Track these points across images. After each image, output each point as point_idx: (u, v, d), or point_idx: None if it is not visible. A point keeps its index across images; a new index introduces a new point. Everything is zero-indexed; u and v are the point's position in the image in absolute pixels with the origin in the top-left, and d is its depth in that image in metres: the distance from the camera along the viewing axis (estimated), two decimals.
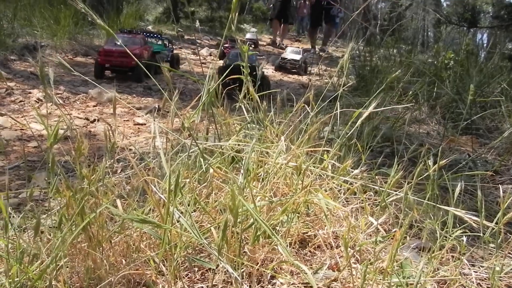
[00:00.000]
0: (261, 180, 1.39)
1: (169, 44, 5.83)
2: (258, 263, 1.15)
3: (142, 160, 1.46)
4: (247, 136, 1.63)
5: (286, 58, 6.93)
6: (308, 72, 6.80)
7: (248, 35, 9.31)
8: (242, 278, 1.12)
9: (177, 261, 1.09)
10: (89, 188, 1.05)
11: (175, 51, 6.08)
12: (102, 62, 4.51)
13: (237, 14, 1.19)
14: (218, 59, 5.71)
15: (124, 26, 7.09)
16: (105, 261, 1.05)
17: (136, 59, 1.39)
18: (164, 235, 1.04)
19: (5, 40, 4.75)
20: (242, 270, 1.13)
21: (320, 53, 8.57)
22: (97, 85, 1.49)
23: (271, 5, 10.86)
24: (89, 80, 1.44)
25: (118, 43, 4.33)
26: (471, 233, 1.26)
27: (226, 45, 6.57)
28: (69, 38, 5.76)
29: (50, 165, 1.02)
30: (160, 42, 5.63)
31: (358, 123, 1.39)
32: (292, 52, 7.21)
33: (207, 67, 5.80)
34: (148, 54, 4.84)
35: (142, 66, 1.29)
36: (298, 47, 8.02)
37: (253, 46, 8.14)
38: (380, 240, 1.29)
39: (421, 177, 1.23)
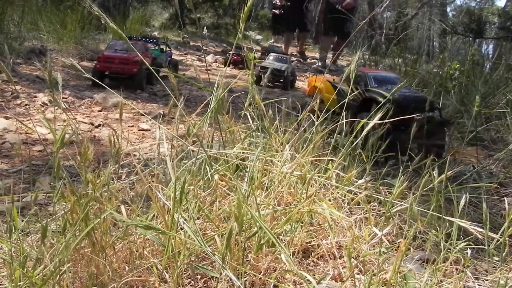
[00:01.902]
0: (265, 188, 1.39)
1: (167, 49, 5.76)
2: (261, 272, 1.14)
3: (146, 166, 1.47)
4: (252, 144, 1.63)
5: (267, 68, 4.33)
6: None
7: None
8: (245, 287, 1.12)
9: (180, 268, 1.09)
10: (93, 194, 1.06)
11: (174, 57, 6.02)
12: (101, 69, 4.24)
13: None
14: (224, 66, 5.63)
15: (130, 32, 7.09)
16: (108, 267, 1.05)
17: (143, 65, 1.41)
18: (168, 242, 1.04)
19: (11, 43, 4.78)
20: (245, 279, 1.13)
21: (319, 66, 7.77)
22: (106, 87, 1.49)
23: (273, 10, 9.24)
24: (102, 84, 1.45)
25: (119, 49, 4.33)
26: (476, 246, 1.25)
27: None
28: (75, 43, 5.78)
29: (55, 169, 1.02)
30: (157, 48, 5.58)
31: (364, 133, 1.40)
32: (275, 60, 5.57)
33: (212, 74, 5.81)
34: (150, 61, 4.73)
35: (152, 70, 1.31)
36: (286, 54, 6.63)
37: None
38: (384, 251, 1.29)
39: (426, 188, 1.23)
